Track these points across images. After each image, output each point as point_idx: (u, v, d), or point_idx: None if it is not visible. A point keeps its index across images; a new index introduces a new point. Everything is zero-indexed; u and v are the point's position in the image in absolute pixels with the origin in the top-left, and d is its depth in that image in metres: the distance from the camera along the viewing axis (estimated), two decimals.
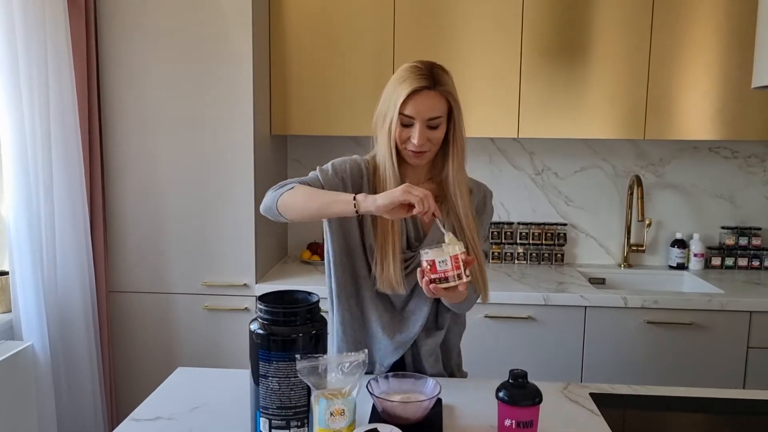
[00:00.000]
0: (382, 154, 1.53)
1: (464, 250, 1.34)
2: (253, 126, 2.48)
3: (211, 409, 1.42)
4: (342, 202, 1.40)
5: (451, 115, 1.50)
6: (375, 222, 1.54)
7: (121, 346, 2.59)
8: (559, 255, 2.96)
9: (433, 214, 1.35)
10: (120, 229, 2.54)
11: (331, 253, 1.59)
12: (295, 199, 1.46)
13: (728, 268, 2.93)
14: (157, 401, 1.46)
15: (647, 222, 2.90)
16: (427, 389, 1.37)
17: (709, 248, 2.94)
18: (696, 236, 2.91)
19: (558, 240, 2.96)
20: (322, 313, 1.29)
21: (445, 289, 1.33)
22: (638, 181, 2.80)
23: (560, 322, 2.47)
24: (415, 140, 1.47)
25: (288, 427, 1.21)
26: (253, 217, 2.52)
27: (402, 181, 1.51)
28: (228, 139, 2.49)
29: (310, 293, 1.32)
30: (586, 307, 2.45)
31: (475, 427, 1.34)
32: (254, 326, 1.24)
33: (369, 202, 1.38)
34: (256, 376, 1.22)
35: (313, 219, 1.48)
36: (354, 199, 1.39)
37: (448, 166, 1.54)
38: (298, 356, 1.19)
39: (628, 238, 2.94)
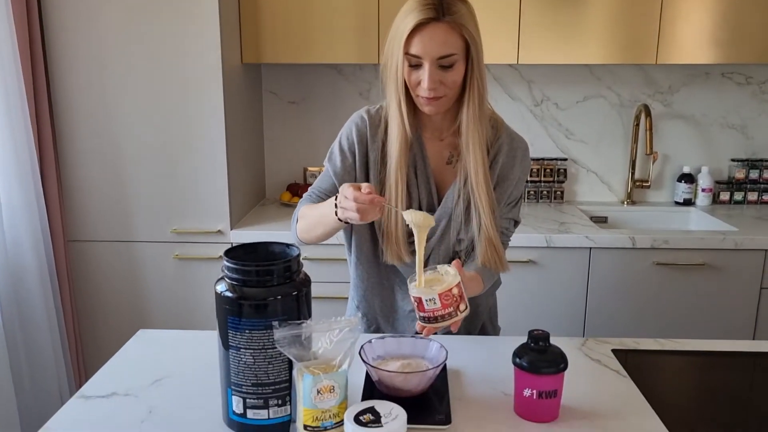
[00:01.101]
0: (391, 103, 1.32)
1: (458, 280, 1.13)
2: (220, 53, 2.18)
3: (175, 382, 1.21)
4: (330, 217, 1.25)
5: (469, 53, 1.26)
6: (381, 194, 1.36)
7: (84, 301, 2.36)
8: (558, 192, 2.76)
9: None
10: (75, 173, 2.27)
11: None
12: (305, 234, 1.39)
13: (737, 203, 2.75)
14: (113, 373, 1.25)
15: (654, 155, 2.69)
16: (431, 354, 1.17)
17: (718, 183, 2.75)
18: (705, 170, 2.71)
19: (558, 176, 2.74)
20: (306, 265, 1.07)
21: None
22: (646, 110, 2.57)
23: (563, 265, 2.28)
24: (424, 83, 1.24)
25: (266, 406, 1.01)
26: (224, 155, 2.26)
27: (416, 134, 1.36)
28: (193, 68, 2.20)
29: (288, 245, 1.09)
30: (591, 248, 2.26)
31: (486, 397, 1.15)
32: (221, 287, 1.01)
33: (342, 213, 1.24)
34: (226, 347, 1.01)
35: (335, 233, 1.35)
36: (336, 207, 1.23)
37: (462, 114, 1.31)
38: (275, 323, 0.97)
39: (633, 173, 2.73)
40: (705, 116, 2.72)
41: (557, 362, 1.06)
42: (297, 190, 2.68)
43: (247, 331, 0.98)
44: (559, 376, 1.06)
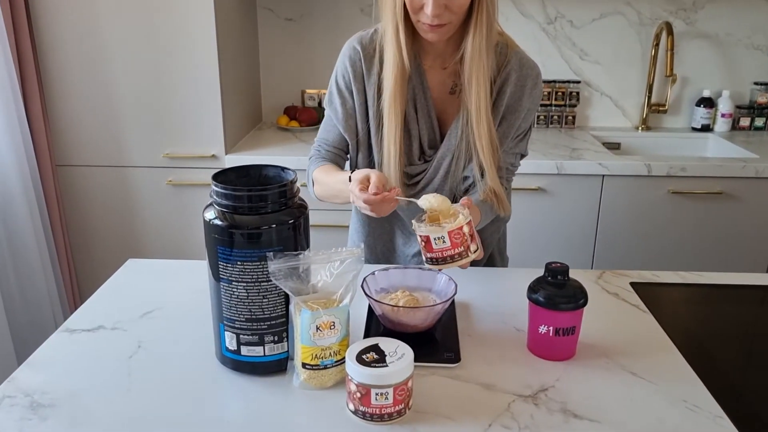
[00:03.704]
0: (387, 29, 1.18)
1: (469, 219, 1.02)
2: None
3: (166, 314, 1.13)
4: (346, 193, 1.16)
5: None
6: (379, 134, 1.26)
7: (77, 228, 2.28)
8: (570, 117, 2.62)
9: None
10: (60, 98, 2.14)
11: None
12: (326, 200, 1.32)
13: (757, 129, 2.63)
14: (100, 305, 1.17)
15: (673, 78, 2.54)
16: (438, 287, 1.09)
17: (738, 107, 2.61)
18: (725, 93, 2.56)
19: (570, 100, 2.60)
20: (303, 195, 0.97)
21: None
22: (668, 28, 2.40)
23: (574, 193, 2.18)
24: (428, 9, 1.09)
25: (261, 343, 0.93)
26: (217, 76, 2.12)
27: (416, 62, 1.23)
28: None
29: (283, 168, 0.99)
30: (603, 175, 2.16)
31: (497, 332, 1.08)
32: (210, 214, 0.92)
33: None
34: (217, 279, 0.92)
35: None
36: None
37: (467, 43, 1.16)
38: (270, 254, 0.88)
39: (649, 97, 2.59)
40: (729, 36, 2.55)
41: (576, 297, 0.97)
42: (295, 113, 2.55)
43: (239, 263, 0.89)
44: (578, 312, 0.98)
